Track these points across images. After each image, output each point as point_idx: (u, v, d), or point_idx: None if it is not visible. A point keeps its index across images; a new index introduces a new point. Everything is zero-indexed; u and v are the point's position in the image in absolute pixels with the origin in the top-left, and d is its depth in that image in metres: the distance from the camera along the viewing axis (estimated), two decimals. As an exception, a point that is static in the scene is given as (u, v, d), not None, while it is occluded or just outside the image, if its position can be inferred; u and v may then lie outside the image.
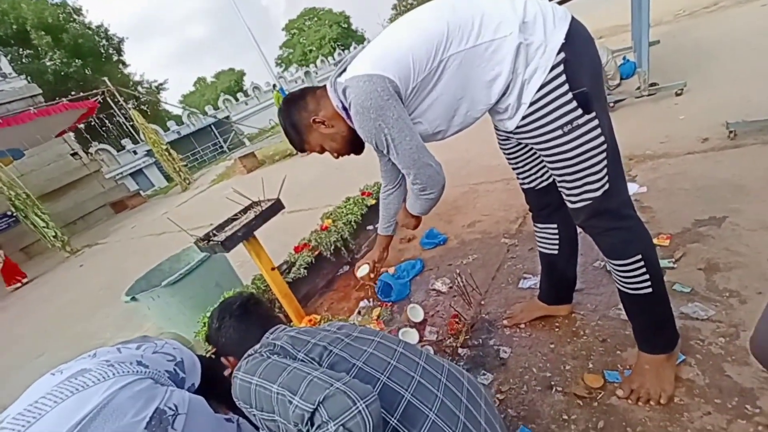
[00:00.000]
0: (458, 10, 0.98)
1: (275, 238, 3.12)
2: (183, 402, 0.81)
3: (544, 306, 1.63)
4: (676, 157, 2.49)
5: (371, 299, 2.29)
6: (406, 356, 0.92)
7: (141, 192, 19.10)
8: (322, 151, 1.25)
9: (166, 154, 14.22)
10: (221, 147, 27.53)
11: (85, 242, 11.10)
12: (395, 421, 0.78)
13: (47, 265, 9.88)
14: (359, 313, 2.21)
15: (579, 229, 1.27)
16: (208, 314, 2.02)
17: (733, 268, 1.52)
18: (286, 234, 3.48)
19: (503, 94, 1.03)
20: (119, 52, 32.93)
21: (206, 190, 12.09)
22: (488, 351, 1.62)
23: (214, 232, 2.08)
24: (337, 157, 1.28)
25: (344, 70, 1.10)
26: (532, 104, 1.01)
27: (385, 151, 1.10)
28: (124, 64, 33.77)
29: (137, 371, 0.82)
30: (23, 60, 26.16)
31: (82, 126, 14.12)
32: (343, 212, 2.96)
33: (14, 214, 10.61)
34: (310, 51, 44.02)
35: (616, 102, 3.69)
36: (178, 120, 27.91)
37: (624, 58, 4.47)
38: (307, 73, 30.91)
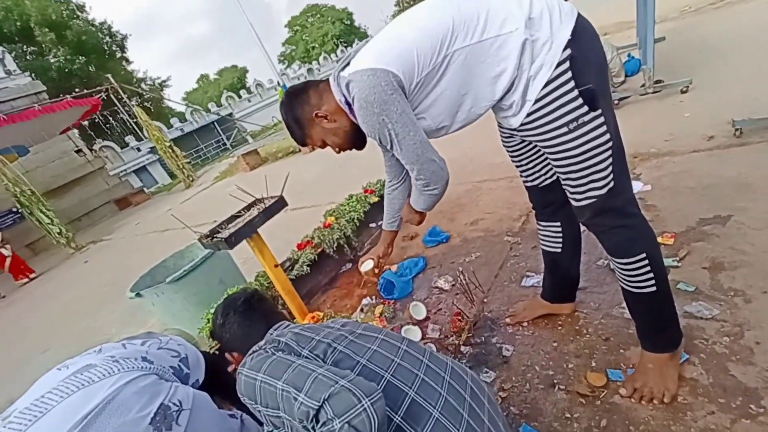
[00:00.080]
0: (463, 6, 0.97)
1: (278, 235, 3.12)
2: (187, 398, 0.82)
3: (547, 304, 1.63)
4: (681, 155, 2.47)
5: (374, 297, 2.29)
6: (410, 354, 0.92)
7: (145, 189, 19.20)
8: (324, 145, 1.24)
9: (170, 151, 14.27)
10: (224, 144, 27.59)
11: (89, 239, 11.17)
12: (399, 418, 0.78)
13: (52, 262, 9.96)
14: (362, 310, 2.22)
15: (582, 228, 1.27)
16: (212, 310, 2.04)
17: (738, 267, 1.51)
18: (290, 231, 3.49)
19: (508, 91, 1.03)
20: (122, 49, 32.98)
21: (209, 188, 12.13)
22: (491, 349, 1.62)
23: (218, 229, 2.08)
24: (338, 152, 1.28)
25: (347, 64, 1.09)
26: (537, 101, 1.00)
27: (388, 147, 1.09)
28: (127, 61, 33.84)
29: (142, 367, 0.83)
30: (27, 57, 26.25)
31: (86, 123, 14.22)
32: (345, 210, 2.96)
33: (20, 211, 10.70)
34: (313, 48, 43.92)
35: (620, 99, 3.67)
36: (182, 117, 27.99)
37: (629, 55, 4.44)
38: (309, 70, 30.87)
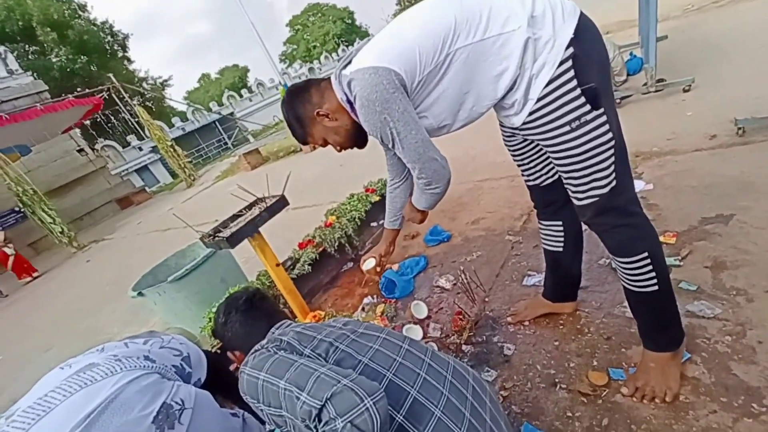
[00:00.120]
0: (466, 4, 0.97)
1: (280, 234, 3.13)
2: (189, 397, 0.82)
3: (548, 303, 1.63)
4: (684, 154, 2.46)
5: (375, 296, 2.29)
6: (412, 353, 0.92)
7: (146, 188, 19.24)
8: (325, 144, 1.23)
9: (171, 150, 14.29)
10: (225, 143, 27.62)
11: (91, 238, 11.20)
12: (401, 417, 0.78)
13: (55, 261, 9.99)
14: (363, 309, 2.22)
15: (584, 227, 1.27)
16: (214, 309, 2.04)
17: (740, 266, 1.51)
18: (291, 230, 3.50)
19: (510, 90, 1.02)
20: (124, 48, 33.01)
21: (211, 187, 12.15)
22: (492, 348, 1.62)
23: (220, 228, 2.09)
24: (339, 151, 1.27)
25: (349, 62, 1.08)
26: (539, 100, 1.00)
27: (390, 145, 1.09)
28: (129, 60, 33.87)
29: (144, 366, 0.83)
30: (29, 56, 26.29)
31: (87, 122, 14.24)
32: (347, 209, 2.97)
33: (22, 210, 10.73)
34: (314, 47, 43.88)
35: (622, 98, 3.65)
36: (183, 116, 28.02)
37: (631, 54, 4.42)
38: (311, 69, 30.87)
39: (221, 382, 1.12)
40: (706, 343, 1.28)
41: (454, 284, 2.12)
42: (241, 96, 29.32)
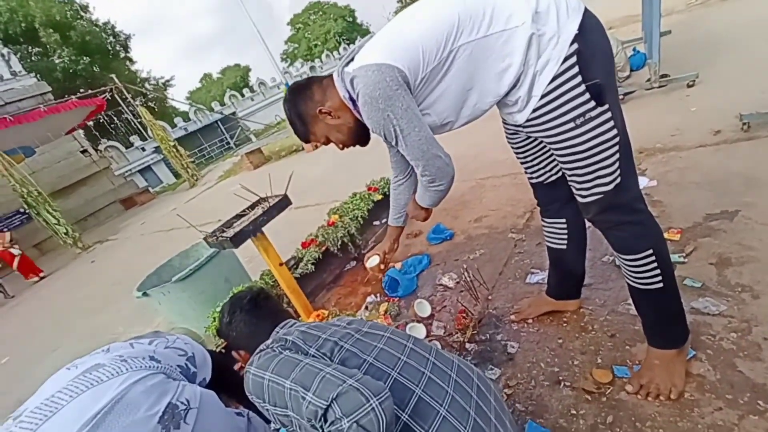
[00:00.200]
0: (469, 0, 0.97)
1: (283, 233, 3.14)
2: (195, 396, 0.83)
3: (552, 301, 1.62)
4: (688, 150, 2.45)
5: (378, 294, 2.30)
6: (416, 352, 0.93)
7: (150, 188, 19.32)
8: (327, 142, 1.23)
9: (174, 150, 14.34)
10: (228, 143, 27.66)
11: (96, 238, 11.27)
12: (406, 416, 0.78)
13: (60, 261, 10.06)
14: (366, 308, 2.22)
15: (588, 224, 1.26)
16: (218, 309, 2.05)
17: (745, 263, 1.50)
18: (294, 230, 3.50)
19: (513, 86, 1.02)
20: (126, 49, 33.11)
21: (214, 186, 12.18)
22: (496, 346, 1.62)
23: (223, 228, 2.09)
24: (342, 148, 1.27)
25: (352, 59, 1.08)
26: (543, 96, 0.99)
27: (393, 143, 1.08)
28: (131, 61, 33.98)
29: (150, 366, 0.84)
30: (32, 58, 26.43)
31: (91, 123, 14.29)
32: (349, 208, 2.97)
33: (27, 211, 10.82)
34: (315, 46, 43.83)
35: (626, 94, 3.63)
36: (185, 116, 28.07)
37: (634, 50, 4.38)
38: (312, 68, 30.83)
39: (226, 382, 1.12)
40: (711, 340, 1.27)
41: (458, 282, 2.12)
42: (242, 95, 29.36)
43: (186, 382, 0.87)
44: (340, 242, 2.70)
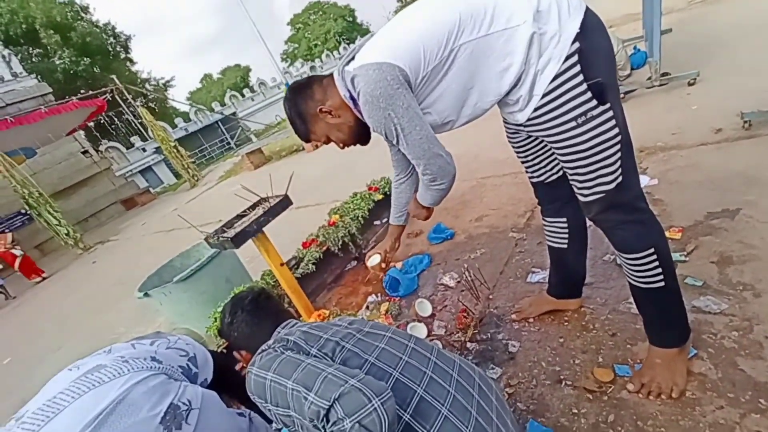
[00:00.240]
0: None
1: (283, 234, 3.14)
2: (196, 397, 0.83)
3: (553, 300, 1.62)
4: (689, 149, 2.44)
5: (379, 294, 2.30)
6: (418, 352, 0.93)
7: (150, 189, 19.36)
8: (328, 141, 1.23)
9: (175, 151, 14.36)
10: (228, 143, 27.69)
11: (97, 239, 11.29)
12: (408, 416, 0.78)
13: (61, 262, 10.09)
14: (367, 307, 2.23)
15: (589, 223, 1.26)
16: (220, 309, 2.05)
17: (746, 261, 1.50)
18: (294, 230, 3.50)
19: (514, 86, 1.02)
20: (126, 49, 33.15)
21: (214, 187, 12.19)
22: (497, 345, 1.62)
23: (224, 228, 2.10)
24: (342, 148, 1.26)
25: (352, 58, 1.08)
26: (545, 95, 0.99)
27: (394, 142, 1.08)
28: (131, 61, 34.01)
29: (151, 367, 0.84)
30: (33, 59, 26.47)
31: (91, 124, 14.31)
32: (350, 207, 2.97)
33: (28, 212, 10.84)
34: (316, 45, 43.80)
35: (626, 93, 3.62)
36: (186, 117, 28.11)
37: (635, 48, 4.38)
38: (312, 68, 30.83)
39: (227, 382, 1.12)
40: (713, 338, 1.27)
41: (458, 282, 2.12)
42: (243, 96, 29.38)
43: (188, 383, 0.87)
44: (340, 242, 2.70)
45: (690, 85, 3.33)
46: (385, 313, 2.08)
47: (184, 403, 0.79)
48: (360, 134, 1.21)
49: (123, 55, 32.88)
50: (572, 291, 1.59)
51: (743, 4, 5.04)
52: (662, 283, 1.10)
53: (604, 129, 0.99)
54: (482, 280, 1.98)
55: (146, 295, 2.39)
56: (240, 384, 0.96)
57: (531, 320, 1.66)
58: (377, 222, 3.09)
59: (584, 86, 0.95)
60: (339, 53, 33.78)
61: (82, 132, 15.59)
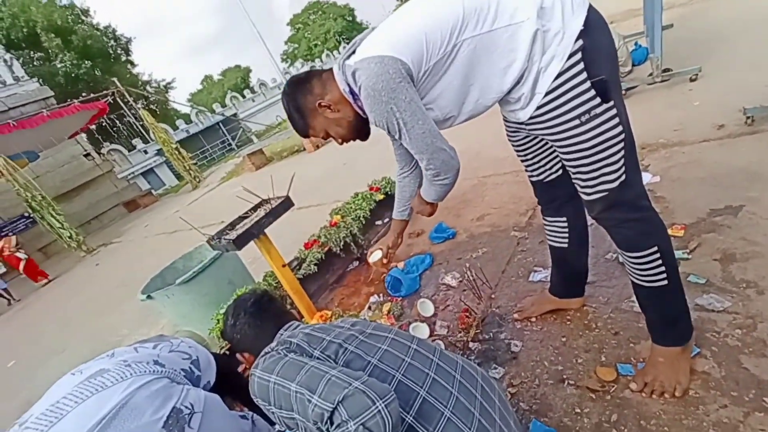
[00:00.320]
0: None
1: (285, 234, 3.14)
2: (199, 400, 0.83)
3: (555, 299, 1.62)
4: (691, 145, 2.43)
5: (381, 294, 2.30)
6: (420, 353, 0.92)
7: (153, 191, 19.44)
8: (326, 136, 1.20)
9: (176, 152, 14.40)
10: (230, 144, 27.75)
11: (100, 241, 11.34)
12: (411, 418, 0.78)
13: (65, 265, 10.14)
14: (370, 308, 2.23)
15: (590, 221, 1.25)
16: (222, 311, 2.06)
17: (750, 258, 1.49)
18: (296, 231, 3.51)
19: (516, 83, 1.01)
20: (127, 52, 33.27)
21: (216, 188, 12.22)
22: (499, 345, 1.61)
23: (226, 230, 2.10)
24: (341, 143, 1.24)
25: (353, 52, 1.06)
26: (547, 94, 0.98)
27: (396, 136, 1.06)
28: (132, 64, 34.14)
29: (154, 370, 0.84)
30: (34, 63, 26.61)
31: (93, 127, 14.35)
32: (351, 208, 2.97)
33: (31, 216, 10.89)
34: (315, 45, 43.81)
35: (628, 89, 3.61)
36: (187, 119, 28.19)
37: (636, 44, 4.36)
38: (312, 68, 30.81)
39: (230, 384, 1.13)
40: (716, 336, 1.27)
41: (460, 281, 2.12)
42: (243, 97, 29.44)
43: (190, 386, 0.87)
44: (342, 242, 2.71)
45: (692, 80, 3.31)
46: (388, 314, 2.08)
47: (186, 407, 0.80)
48: (359, 129, 1.19)
49: (124, 58, 33.00)
50: (574, 290, 1.58)
51: (744, -2, 5.01)
52: (665, 282, 1.10)
53: (608, 127, 0.98)
54: (484, 280, 1.97)
55: (149, 297, 2.40)
56: (243, 386, 0.96)
57: (533, 319, 1.65)
58: (379, 222, 3.09)
59: (588, 84, 0.95)
60: (339, 53, 33.74)
61: (84, 135, 15.66)
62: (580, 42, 0.93)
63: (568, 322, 1.57)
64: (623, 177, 1.03)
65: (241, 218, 2.18)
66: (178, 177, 21.46)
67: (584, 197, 1.11)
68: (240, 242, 1.86)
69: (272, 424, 1.07)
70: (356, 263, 2.84)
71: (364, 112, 1.10)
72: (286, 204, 2.05)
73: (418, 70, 0.98)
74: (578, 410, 1.24)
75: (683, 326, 1.18)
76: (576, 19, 0.93)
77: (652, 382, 1.18)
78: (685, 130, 2.62)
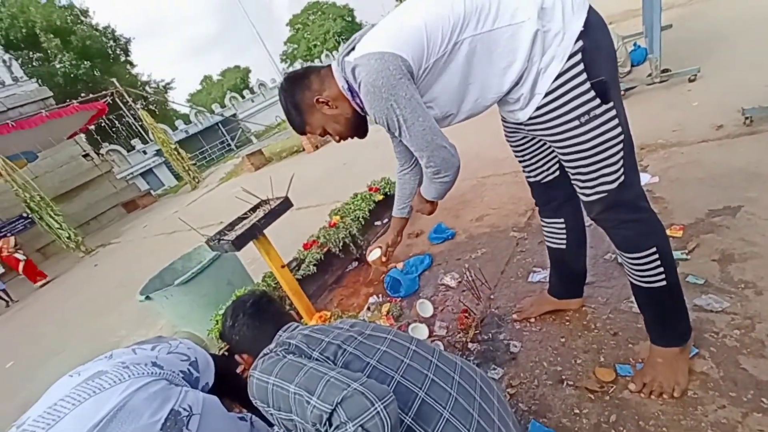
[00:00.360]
0: None
1: (284, 235, 3.14)
2: (197, 402, 0.83)
3: (554, 300, 1.62)
4: (690, 146, 2.43)
5: (381, 295, 2.30)
6: (419, 354, 0.92)
7: (151, 191, 19.42)
8: (324, 133, 1.19)
9: (175, 153, 14.39)
10: (229, 145, 27.73)
11: (98, 242, 11.32)
12: (410, 419, 0.78)
13: (63, 265, 10.12)
14: (369, 309, 2.23)
15: (587, 222, 1.25)
16: (221, 312, 2.06)
17: (748, 259, 1.49)
18: (295, 231, 3.50)
19: (516, 83, 1.01)
20: (126, 52, 33.23)
21: (215, 189, 12.21)
22: (498, 345, 1.61)
23: (225, 231, 2.10)
24: (338, 141, 1.23)
25: (353, 48, 1.06)
26: (547, 94, 0.98)
27: (396, 133, 1.05)
28: (131, 64, 34.10)
29: (152, 372, 0.84)
30: (33, 63, 26.57)
31: (92, 127, 14.33)
32: (350, 208, 2.97)
33: (29, 216, 10.87)
34: (315, 46, 43.81)
35: (626, 90, 3.61)
36: (186, 119, 28.16)
37: (635, 44, 4.37)
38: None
39: (229, 386, 1.13)
40: (715, 337, 1.27)
41: (459, 282, 2.12)
42: (243, 97, 29.43)
43: (188, 388, 0.87)
44: (341, 243, 2.70)
45: (690, 81, 3.31)
46: (387, 314, 2.07)
47: (185, 409, 0.79)
48: (357, 126, 1.18)
49: (123, 58, 32.97)
50: (573, 291, 1.59)
51: (743, -1, 5.02)
52: (664, 282, 1.10)
53: (607, 128, 0.98)
54: (483, 280, 1.98)
55: (147, 298, 2.40)
56: (241, 387, 0.96)
57: (532, 320, 1.65)
58: (378, 222, 3.09)
59: (587, 85, 0.95)
60: (338, 53, 33.78)
61: (83, 135, 15.63)
62: (580, 43, 0.93)
63: (567, 323, 1.57)
64: (622, 178, 1.03)
65: (240, 219, 2.18)
66: (177, 177, 21.45)
67: (583, 198, 1.11)
68: (239, 243, 1.86)
69: (271, 425, 1.06)
70: (355, 264, 2.84)
71: (363, 109, 1.10)
72: (285, 204, 2.05)
73: (418, 67, 0.97)
74: (577, 411, 1.24)
75: (682, 327, 1.18)
76: (576, 20, 0.93)
77: (651, 383, 1.18)
78: (684, 131, 2.63)
